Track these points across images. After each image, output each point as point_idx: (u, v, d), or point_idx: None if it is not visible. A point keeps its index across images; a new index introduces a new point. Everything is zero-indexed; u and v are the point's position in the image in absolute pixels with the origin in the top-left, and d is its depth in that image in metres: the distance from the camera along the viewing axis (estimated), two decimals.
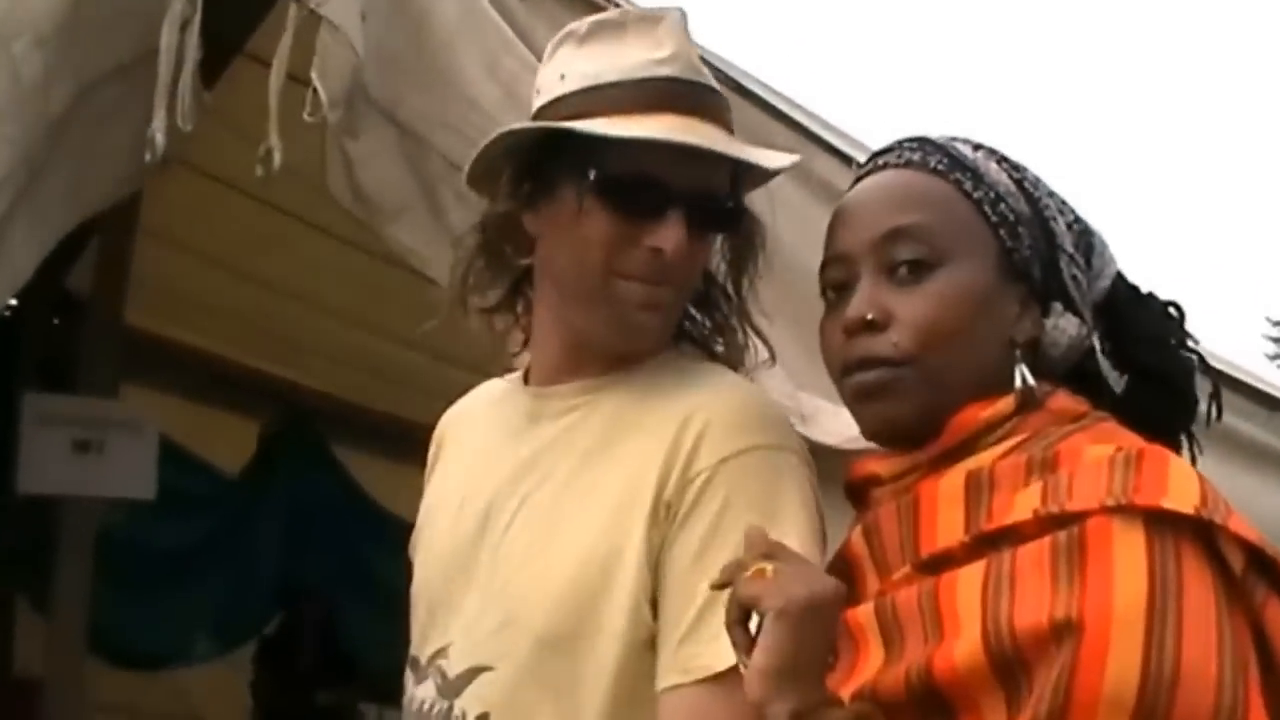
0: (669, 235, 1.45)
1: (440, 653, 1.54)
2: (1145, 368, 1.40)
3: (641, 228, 1.46)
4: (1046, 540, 1.19)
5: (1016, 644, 1.16)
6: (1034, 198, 1.41)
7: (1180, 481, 1.19)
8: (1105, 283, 1.44)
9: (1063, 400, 1.36)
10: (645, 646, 1.42)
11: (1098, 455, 1.24)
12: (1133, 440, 1.28)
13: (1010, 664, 1.17)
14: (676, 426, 1.45)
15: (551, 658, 1.44)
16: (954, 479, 1.32)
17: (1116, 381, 1.39)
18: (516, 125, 1.55)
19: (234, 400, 5.02)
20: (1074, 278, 1.40)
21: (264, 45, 2.53)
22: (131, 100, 2.23)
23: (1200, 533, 1.17)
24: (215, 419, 4.96)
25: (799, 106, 2.86)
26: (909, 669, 1.24)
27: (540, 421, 1.56)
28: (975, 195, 1.38)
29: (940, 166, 1.40)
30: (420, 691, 1.57)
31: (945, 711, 1.22)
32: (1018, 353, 1.36)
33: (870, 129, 3.04)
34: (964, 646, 1.19)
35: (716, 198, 1.50)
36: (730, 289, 1.59)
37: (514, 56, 2.28)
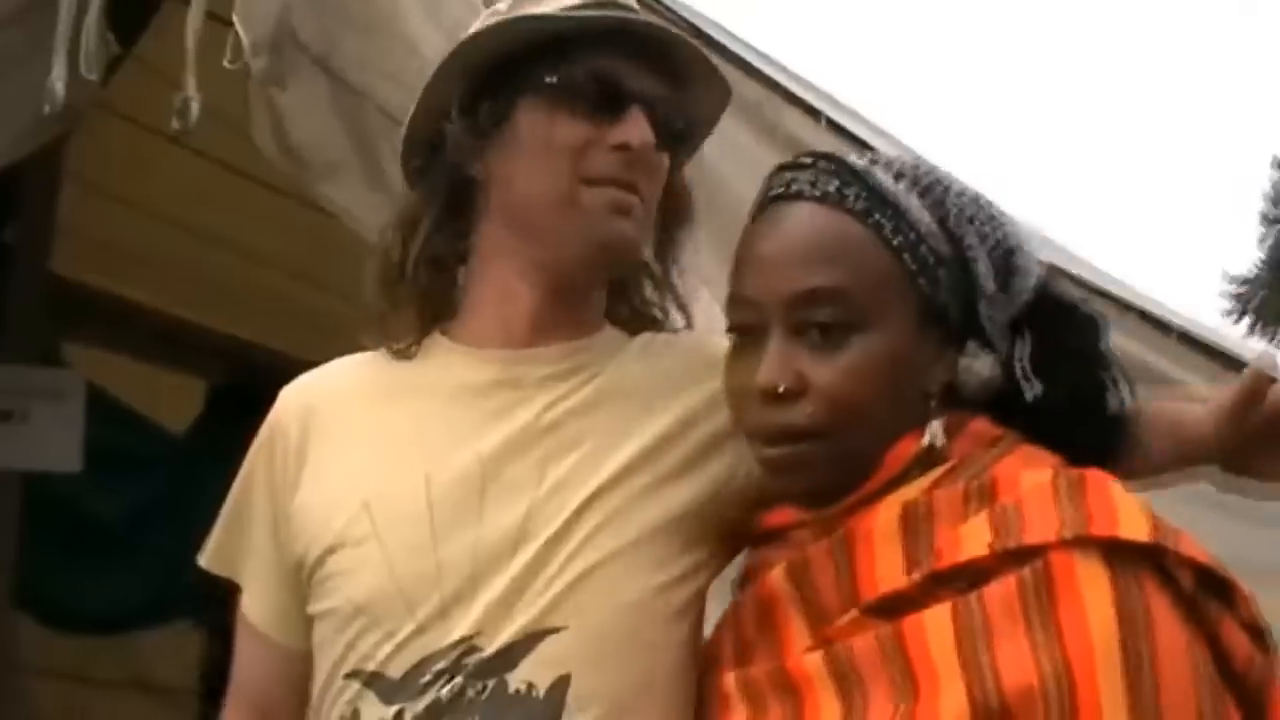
0: (633, 129, 1.45)
1: (466, 645, 1.41)
2: (1063, 383, 1.36)
3: (605, 127, 1.46)
4: (1012, 581, 1.16)
5: (1006, 705, 1.14)
6: (956, 237, 1.34)
7: (1128, 508, 1.19)
8: (1025, 297, 1.38)
9: (980, 425, 1.33)
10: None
11: (1039, 482, 1.22)
12: (1058, 462, 1.28)
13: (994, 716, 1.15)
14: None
15: (637, 611, 1.43)
16: (888, 514, 1.27)
17: (1029, 391, 1.34)
18: (466, 37, 1.54)
19: (179, 357, 4.86)
20: (990, 317, 1.34)
21: None
22: (34, 47, 2.05)
23: (1154, 557, 1.17)
24: (160, 377, 4.80)
25: (765, 57, 2.72)
26: None
27: (523, 385, 1.50)
28: (895, 241, 1.31)
29: (859, 205, 1.32)
30: (412, 706, 1.41)
31: None
32: (933, 404, 1.32)
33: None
34: (950, 706, 1.16)
35: (670, 104, 1.51)
36: (658, 262, 1.58)
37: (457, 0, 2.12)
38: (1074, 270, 3.11)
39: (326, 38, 2.05)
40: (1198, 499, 3.13)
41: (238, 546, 1.60)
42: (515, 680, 1.39)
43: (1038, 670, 1.13)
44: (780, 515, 1.38)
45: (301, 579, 1.52)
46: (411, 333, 1.57)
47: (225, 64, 1.90)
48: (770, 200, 1.38)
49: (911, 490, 1.28)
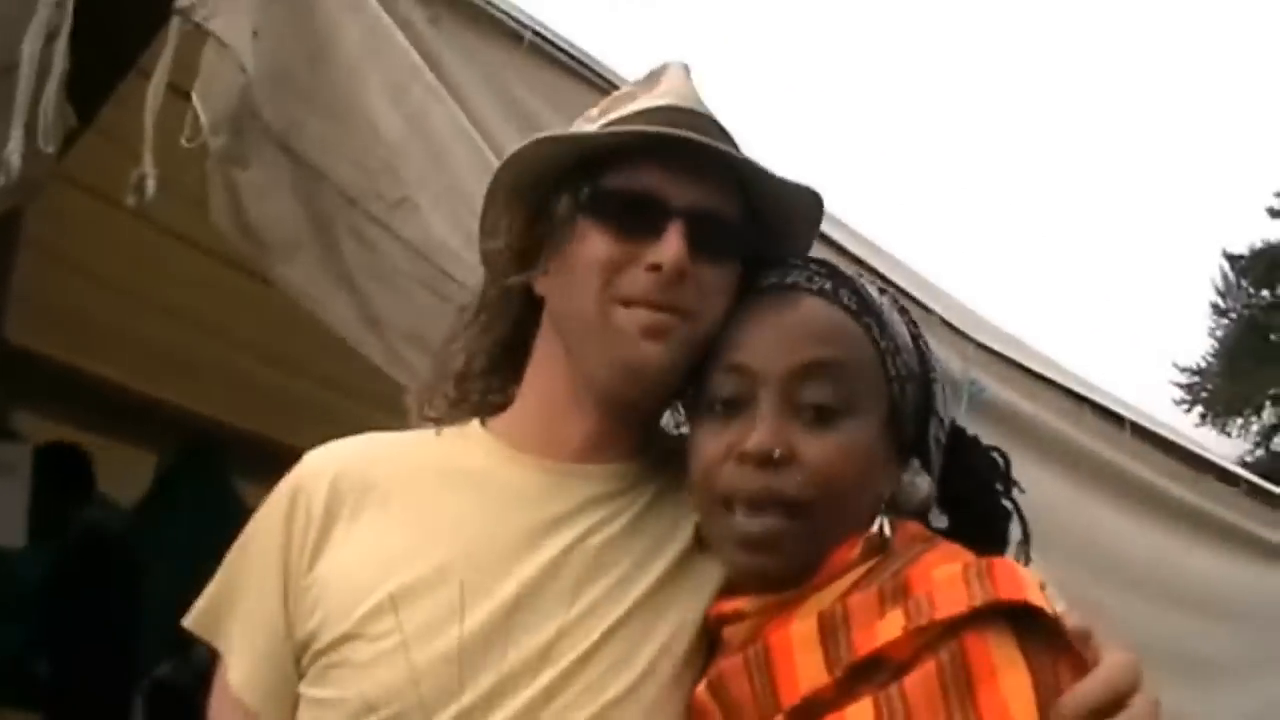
0: (666, 248, 1.40)
1: None
2: (970, 509, 1.44)
3: (640, 246, 1.42)
4: (930, 667, 1.17)
5: None
6: (925, 356, 1.42)
7: (1034, 585, 1.21)
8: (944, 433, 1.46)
9: (910, 528, 1.36)
10: None
11: (950, 572, 1.24)
12: (976, 558, 1.29)
13: None
14: None
15: None
16: (805, 623, 1.28)
17: (938, 519, 1.42)
18: (537, 137, 1.51)
19: (130, 429, 4.80)
20: (936, 438, 1.42)
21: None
22: None
23: (1059, 632, 1.19)
24: (111, 449, 4.73)
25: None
26: None
27: (569, 501, 1.46)
28: (881, 344, 1.37)
29: (853, 305, 1.38)
30: None
31: None
32: (883, 507, 1.35)
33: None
34: None
35: (722, 216, 1.45)
36: None
37: (420, 84, 2.13)
38: (1026, 361, 3.13)
39: (288, 118, 2.04)
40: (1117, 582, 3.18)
41: (230, 611, 1.51)
42: None
43: None
44: (727, 603, 1.38)
45: (302, 659, 1.45)
46: (453, 416, 1.54)
47: (183, 142, 1.88)
48: (764, 290, 1.41)
49: (828, 596, 1.29)
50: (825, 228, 2.77)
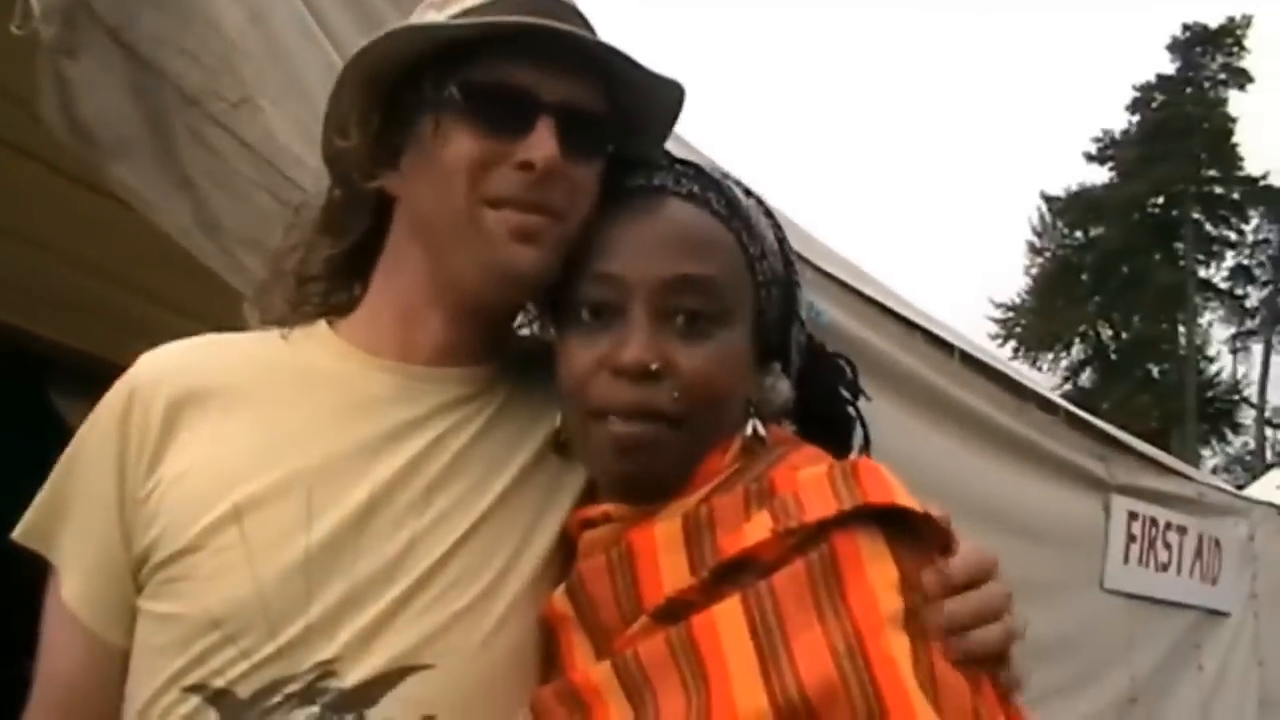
0: (538, 145, 1.34)
1: (322, 670, 1.31)
2: (817, 414, 1.46)
3: (508, 143, 1.35)
4: (800, 566, 1.17)
5: (808, 701, 1.14)
6: (789, 261, 1.43)
7: (900, 486, 1.23)
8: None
9: (774, 432, 1.37)
10: None
11: (815, 474, 1.24)
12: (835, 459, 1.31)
13: (798, 715, 1.14)
14: None
15: (509, 657, 1.37)
16: (670, 523, 1.28)
17: (787, 426, 1.45)
18: (356, 51, 1.41)
19: None
20: (799, 342, 1.43)
21: None
22: None
23: (926, 530, 1.22)
24: None
25: None
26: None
27: (419, 406, 1.42)
28: (750, 250, 1.36)
29: (722, 210, 1.36)
30: None
31: None
32: (751, 409, 1.36)
33: None
34: (748, 702, 1.15)
35: (593, 111, 1.40)
36: None
37: None
38: (862, 287, 3.18)
39: (123, 9, 1.95)
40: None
41: (61, 523, 1.44)
42: (375, 717, 1.31)
43: (833, 656, 1.13)
44: (594, 507, 1.37)
45: (140, 572, 1.39)
46: (296, 318, 1.48)
47: (13, 28, 1.78)
48: (631, 192, 1.38)
49: (692, 498, 1.28)
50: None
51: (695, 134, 2.86)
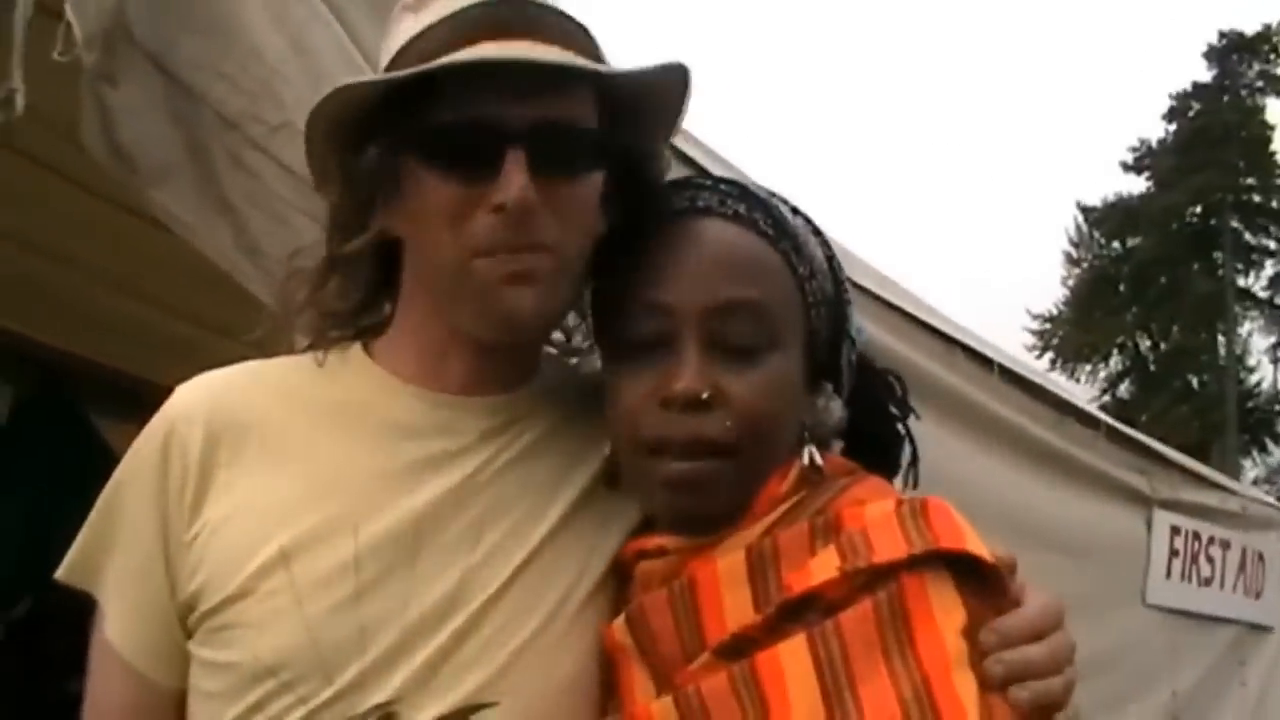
0: (507, 186, 1.25)
1: (382, 712, 1.29)
2: (866, 432, 1.43)
3: (480, 186, 1.27)
4: (867, 606, 1.15)
5: None
6: (839, 279, 1.39)
7: (971, 531, 1.20)
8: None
9: (835, 459, 1.34)
10: None
11: (883, 510, 1.21)
12: (903, 494, 1.30)
13: None
14: None
15: (573, 689, 1.35)
16: (733, 557, 1.25)
17: (836, 446, 1.42)
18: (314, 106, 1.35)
19: None
20: (850, 361, 1.40)
21: None
22: None
23: (996, 580, 1.19)
24: None
25: None
26: None
27: (460, 436, 1.38)
28: (799, 271, 1.33)
29: (769, 230, 1.32)
30: None
31: None
32: (806, 434, 1.33)
33: None
34: None
35: (569, 127, 1.30)
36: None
37: (303, 4, 2.06)
38: (900, 303, 3.17)
39: (163, 36, 1.96)
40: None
41: (107, 560, 1.40)
42: None
43: (900, 702, 1.11)
44: (650, 539, 1.34)
45: (188, 618, 1.35)
46: (330, 341, 1.44)
47: (55, 55, 1.80)
48: (675, 215, 1.34)
49: (755, 529, 1.26)
50: (687, 148, 2.78)
51: (728, 145, 2.86)
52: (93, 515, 1.43)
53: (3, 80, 1.86)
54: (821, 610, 1.17)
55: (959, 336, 3.31)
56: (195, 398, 1.40)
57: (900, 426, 1.47)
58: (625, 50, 1.45)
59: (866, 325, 3.10)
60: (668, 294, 1.29)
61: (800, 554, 1.22)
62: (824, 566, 1.19)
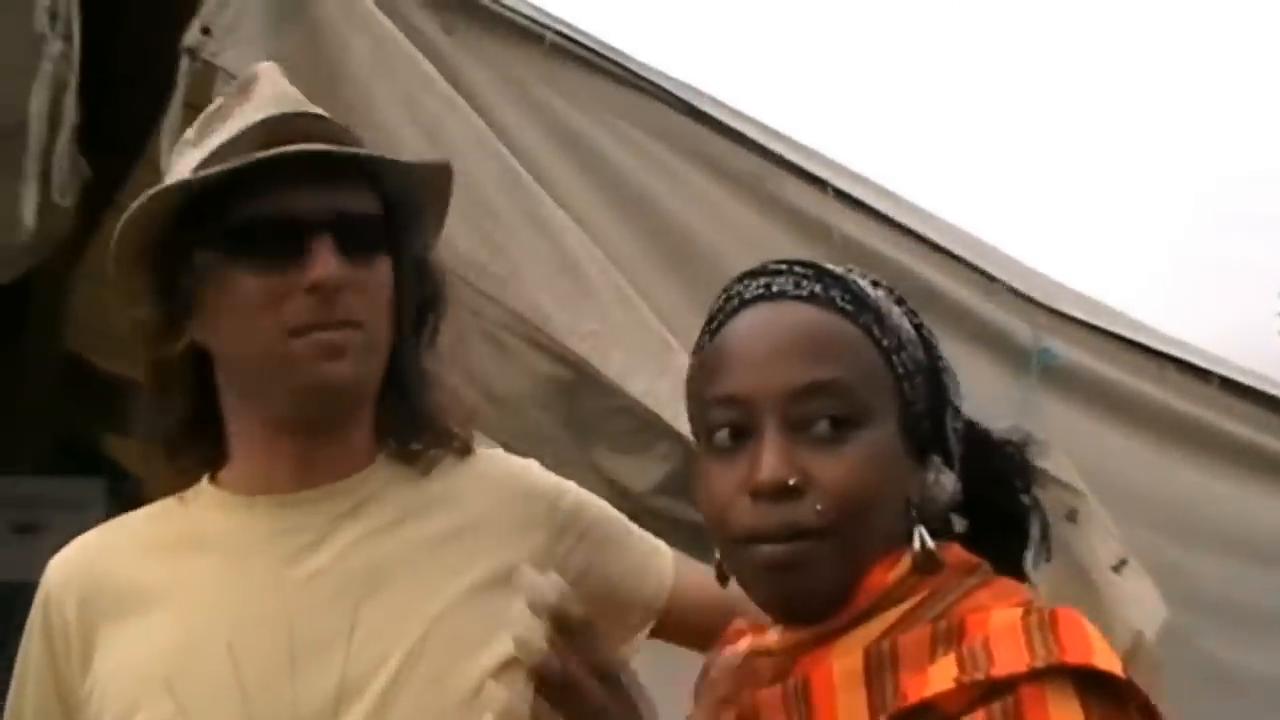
0: (320, 265, 1.34)
1: None
2: (991, 509, 1.35)
3: (292, 272, 1.35)
4: (979, 716, 1.08)
5: None
6: (930, 345, 1.32)
7: (1101, 644, 1.12)
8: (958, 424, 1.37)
9: (957, 552, 1.26)
10: None
11: (1009, 619, 1.15)
12: (1032, 597, 1.21)
13: None
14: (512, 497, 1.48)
15: None
16: (850, 658, 1.19)
17: (959, 523, 1.34)
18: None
19: None
20: (955, 430, 1.32)
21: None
22: (11, 175, 2.03)
23: (1126, 697, 1.11)
24: None
25: (766, 128, 2.67)
26: None
27: (301, 531, 1.41)
28: (884, 343, 1.27)
29: (847, 306, 1.28)
30: None
31: None
32: (913, 513, 1.26)
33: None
34: None
35: (364, 215, 1.39)
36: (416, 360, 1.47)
37: (435, 96, 2.11)
38: (1099, 322, 3.04)
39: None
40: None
41: None
42: None
43: None
44: (752, 638, 1.32)
45: None
46: (187, 480, 1.48)
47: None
48: (747, 303, 1.33)
49: (874, 628, 1.22)
50: (872, 199, 2.73)
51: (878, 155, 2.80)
52: (8, 700, 1.49)
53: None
54: (937, 719, 1.11)
55: (1169, 350, 3.15)
56: (65, 567, 1.46)
57: (1024, 497, 1.39)
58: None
59: (1064, 349, 3.00)
60: (746, 384, 1.26)
61: (920, 659, 1.16)
62: (941, 676, 1.13)
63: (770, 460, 1.22)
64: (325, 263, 1.33)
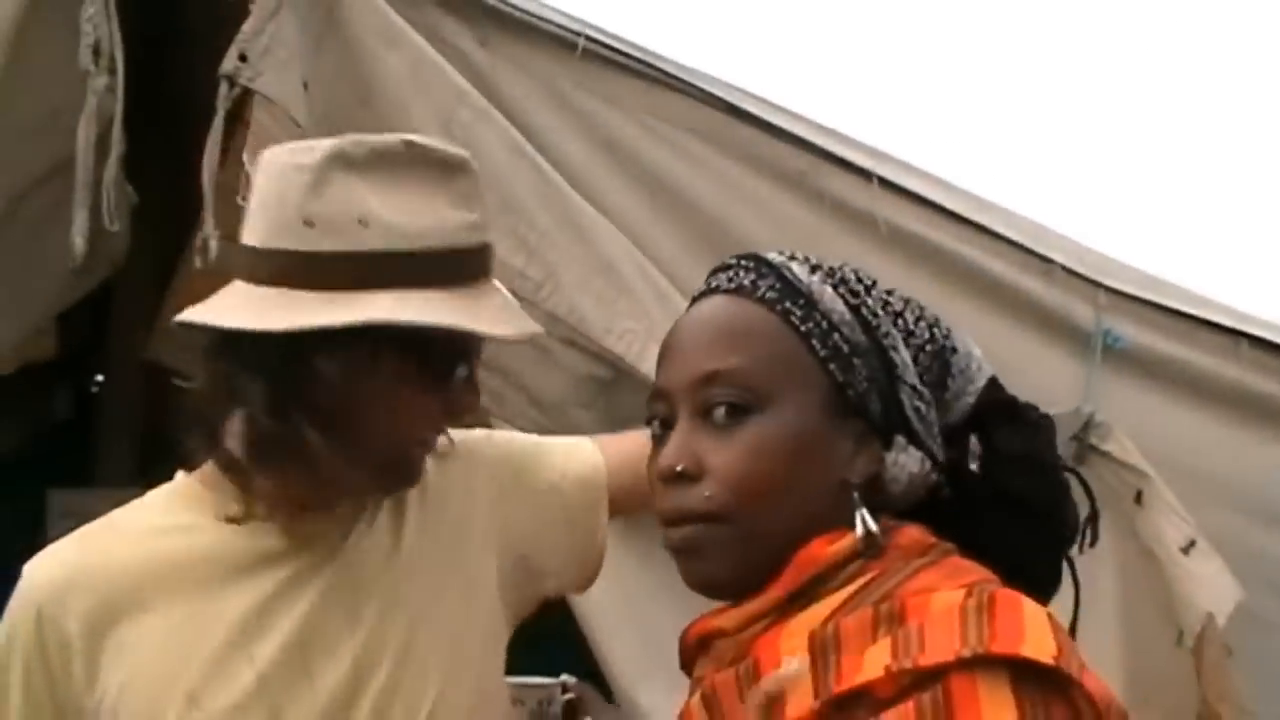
0: (465, 397, 1.45)
1: None
2: (1007, 490, 1.34)
3: (440, 391, 1.43)
4: (910, 706, 1.08)
5: None
6: (872, 326, 1.32)
7: (1036, 628, 1.11)
8: (969, 399, 1.35)
9: (911, 534, 1.27)
10: None
11: (949, 602, 1.15)
12: (982, 577, 1.20)
13: None
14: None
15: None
16: (795, 641, 1.20)
17: (981, 493, 1.33)
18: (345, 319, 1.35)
19: None
20: (916, 409, 1.31)
21: None
22: (65, 204, 2.10)
23: (1058, 683, 1.09)
24: None
25: (808, 121, 2.67)
26: None
27: (313, 539, 1.45)
28: (804, 328, 1.29)
29: (770, 294, 1.30)
30: None
31: None
32: (856, 495, 1.27)
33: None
34: None
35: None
36: None
37: (468, 107, 2.15)
38: (1165, 300, 2.99)
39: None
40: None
41: None
42: None
43: None
44: (705, 622, 1.32)
45: None
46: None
47: (239, 201, 1.92)
48: (692, 301, 1.38)
49: (821, 611, 1.22)
50: (919, 187, 2.71)
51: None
52: None
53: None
54: (870, 707, 1.11)
55: (1242, 326, 3.08)
56: (59, 577, 1.43)
57: (1054, 477, 1.36)
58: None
59: (1129, 331, 2.94)
60: (665, 377, 1.32)
61: (861, 643, 1.16)
62: (874, 662, 1.13)
63: (667, 449, 1.28)
64: (472, 397, 1.45)
